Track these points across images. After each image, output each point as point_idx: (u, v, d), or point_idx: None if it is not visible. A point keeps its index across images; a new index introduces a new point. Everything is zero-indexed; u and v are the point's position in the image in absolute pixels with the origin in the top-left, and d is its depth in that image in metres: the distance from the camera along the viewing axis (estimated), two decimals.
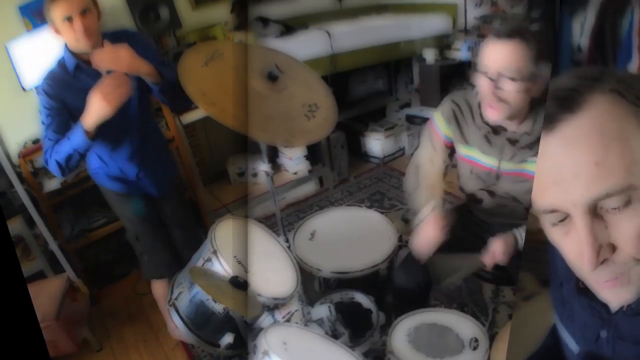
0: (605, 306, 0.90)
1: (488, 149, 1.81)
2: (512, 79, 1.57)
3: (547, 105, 0.77)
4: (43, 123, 2.02)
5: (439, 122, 1.94)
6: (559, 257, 0.90)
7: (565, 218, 0.78)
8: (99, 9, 2.03)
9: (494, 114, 1.68)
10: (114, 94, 1.87)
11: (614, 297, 0.84)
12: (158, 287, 2.54)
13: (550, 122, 0.75)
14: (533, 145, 1.69)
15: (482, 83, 1.64)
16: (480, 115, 1.79)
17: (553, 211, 0.79)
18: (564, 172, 0.75)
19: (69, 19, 1.93)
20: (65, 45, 2.04)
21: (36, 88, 2.09)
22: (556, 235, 0.82)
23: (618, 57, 2.59)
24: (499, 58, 1.58)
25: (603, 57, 2.60)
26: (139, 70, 1.98)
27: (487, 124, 1.78)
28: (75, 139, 1.95)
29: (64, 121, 2.03)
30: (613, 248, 0.76)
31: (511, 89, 1.58)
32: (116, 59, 1.91)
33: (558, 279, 1.03)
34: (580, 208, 0.75)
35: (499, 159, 1.80)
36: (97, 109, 1.87)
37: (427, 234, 1.83)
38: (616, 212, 0.74)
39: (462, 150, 1.92)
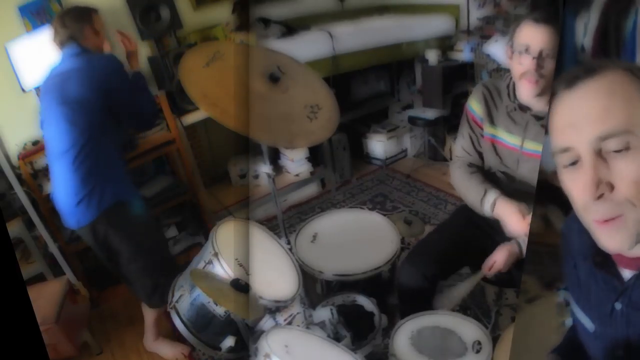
0: (619, 278, 0.99)
1: (513, 127, 1.91)
2: (552, 58, 1.72)
3: (570, 71, 0.94)
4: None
5: (472, 104, 2.04)
6: (574, 238, 1.09)
7: (575, 162, 0.92)
8: None
9: (531, 89, 1.79)
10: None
11: (610, 239, 0.93)
12: (151, 312, 2.60)
13: (570, 81, 0.93)
14: None
15: (523, 62, 1.76)
16: (508, 94, 1.92)
17: (566, 150, 0.93)
18: (577, 116, 0.92)
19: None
20: (83, 46, 2.36)
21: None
22: (567, 179, 0.95)
23: (622, 58, 2.58)
24: (540, 39, 1.72)
25: (607, 57, 2.59)
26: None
27: (514, 101, 1.90)
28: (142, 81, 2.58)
29: None
30: (612, 187, 0.89)
31: (550, 66, 1.74)
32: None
33: (572, 260, 1.13)
34: (587, 145, 0.89)
35: (522, 137, 1.89)
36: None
37: (516, 229, 1.83)
38: (617, 156, 0.88)
39: (487, 130, 1.99)
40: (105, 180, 2.31)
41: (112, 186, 2.32)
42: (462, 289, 2.00)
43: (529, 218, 1.79)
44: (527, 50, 1.74)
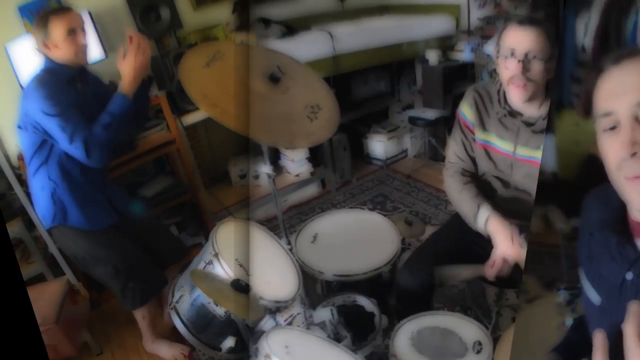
0: (634, 247, 1.07)
1: (504, 132, 1.89)
2: (540, 60, 1.70)
3: (617, 51, 1.06)
4: (59, 116, 2.08)
5: (463, 109, 2.02)
6: (593, 211, 1.18)
7: (614, 127, 1.02)
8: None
9: (520, 94, 1.77)
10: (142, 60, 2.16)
11: (638, 194, 1.02)
12: (142, 312, 2.55)
13: (617, 58, 1.04)
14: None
15: (509, 66, 1.75)
16: (499, 100, 1.90)
17: (607, 114, 1.03)
18: (621, 86, 1.03)
19: (73, 32, 2.12)
20: (49, 58, 2.16)
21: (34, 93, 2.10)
22: (605, 141, 1.05)
23: None
24: (525, 42, 1.71)
25: None
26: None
27: (505, 107, 1.87)
28: (118, 106, 2.15)
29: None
30: None
31: (538, 69, 1.72)
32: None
33: (587, 230, 1.20)
34: (627, 110, 1.00)
35: (514, 143, 1.87)
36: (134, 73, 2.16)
37: (505, 251, 1.82)
38: None
39: (479, 136, 1.98)
40: (48, 202, 2.26)
41: (55, 210, 2.27)
42: (465, 272, 1.99)
43: (518, 241, 1.79)
44: (512, 54, 1.72)
